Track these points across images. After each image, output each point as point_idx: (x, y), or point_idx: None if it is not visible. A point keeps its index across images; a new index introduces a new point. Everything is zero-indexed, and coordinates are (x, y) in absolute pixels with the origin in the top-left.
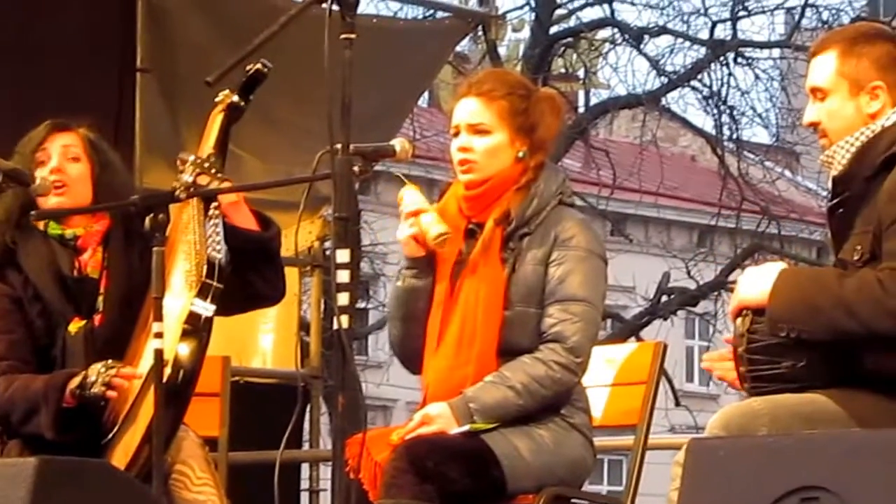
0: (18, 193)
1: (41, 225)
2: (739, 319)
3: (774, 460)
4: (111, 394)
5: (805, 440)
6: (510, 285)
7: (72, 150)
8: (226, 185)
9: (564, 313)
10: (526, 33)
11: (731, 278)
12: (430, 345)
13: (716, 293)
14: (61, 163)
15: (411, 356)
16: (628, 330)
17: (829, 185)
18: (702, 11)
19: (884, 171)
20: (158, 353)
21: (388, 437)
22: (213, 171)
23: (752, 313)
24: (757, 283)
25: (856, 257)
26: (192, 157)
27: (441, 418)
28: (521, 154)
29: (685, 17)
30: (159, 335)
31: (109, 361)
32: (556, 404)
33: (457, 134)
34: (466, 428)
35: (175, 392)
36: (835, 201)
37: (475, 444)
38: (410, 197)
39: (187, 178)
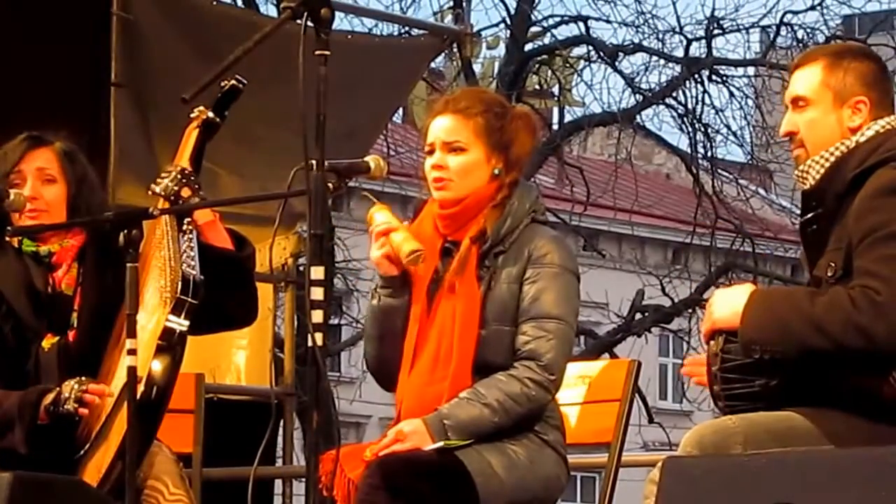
0: None
1: (15, 241)
2: (713, 340)
3: (749, 478)
4: (83, 411)
5: (779, 458)
6: (485, 304)
7: (47, 172)
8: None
9: (539, 331)
10: (501, 50)
11: (705, 296)
12: (406, 362)
13: (690, 310)
14: (36, 188)
15: (387, 374)
16: (601, 346)
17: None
18: (677, 29)
19: (855, 189)
20: (132, 370)
21: (361, 453)
22: (195, 186)
23: (726, 333)
24: (728, 304)
25: (829, 273)
26: (178, 168)
27: (415, 435)
28: (496, 171)
29: (660, 35)
30: (133, 352)
31: (83, 378)
32: (529, 421)
33: (431, 151)
34: (440, 444)
35: (148, 408)
36: (807, 217)
37: (448, 460)
38: (381, 217)
39: (172, 185)
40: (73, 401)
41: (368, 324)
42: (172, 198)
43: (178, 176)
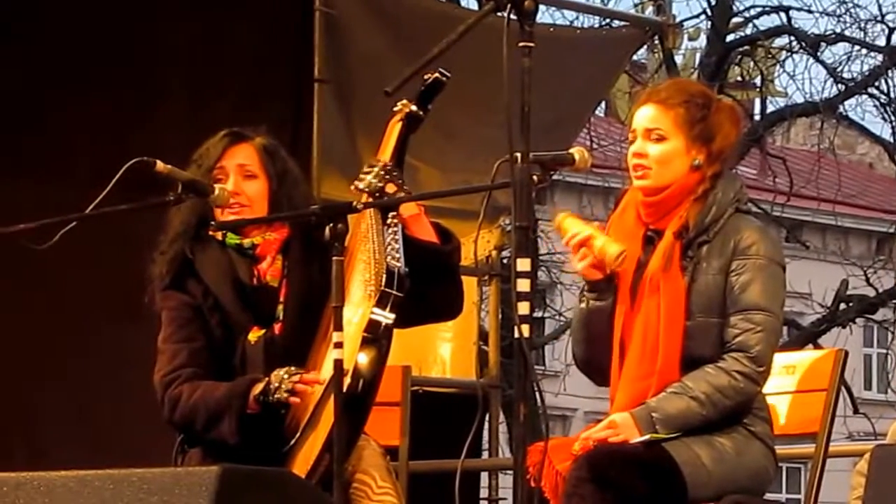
0: (196, 205)
1: (219, 235)
2: None
3: None
4: (294, 399)
5: None
6: (690, 295)
7: (247, 168)
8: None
9: (747, 323)
10: (702, 41)
11: None
12: (615, 359)
13: (894, 301)
14: (238, 184)
15: (598, 372)
16: (806, 337)
17: None
18: (879, 18)
19: None
20: (338, 363)
21: (569, 446)
22: (399, 180)
23: None
24: None
25: None
26: (381, 163)
27: (623, 428)
28: (696, 163)
29: (862, 25)
30: (339, 345)
31: (292, 368)
32: (737, 414)
33: (633, 140)
34: (647, 437)
35: (355, 401)
36: None
37: (656, 452)
38: (572, 226)
39: (376, 181)
40: (285, 390)
41: (576, 327)
42: (377, 194)
43: (382, 172)
